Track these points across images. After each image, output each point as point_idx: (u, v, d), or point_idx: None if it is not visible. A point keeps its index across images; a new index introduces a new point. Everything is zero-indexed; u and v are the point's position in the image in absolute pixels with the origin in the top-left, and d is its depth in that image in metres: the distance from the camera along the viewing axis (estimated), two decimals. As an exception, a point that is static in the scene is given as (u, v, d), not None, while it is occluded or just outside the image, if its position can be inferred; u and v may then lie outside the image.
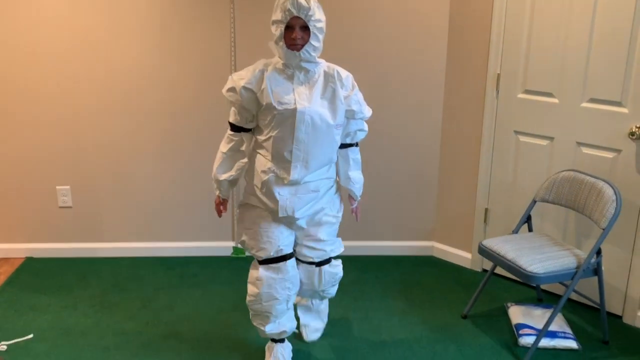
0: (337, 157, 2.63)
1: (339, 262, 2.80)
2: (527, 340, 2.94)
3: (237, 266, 3.74)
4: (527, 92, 3.31)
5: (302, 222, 2.56)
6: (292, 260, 2.59)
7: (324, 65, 2.46)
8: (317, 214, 2.59)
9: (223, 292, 3.43)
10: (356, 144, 2.69)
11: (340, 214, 2.72)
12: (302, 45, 2.31)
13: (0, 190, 3.70)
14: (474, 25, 3.44)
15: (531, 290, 3.47)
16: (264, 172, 2.47)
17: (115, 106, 3.62)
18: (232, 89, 2.41)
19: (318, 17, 2.31)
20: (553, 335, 2.96)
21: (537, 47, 3.22)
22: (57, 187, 3.74)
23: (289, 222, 2.55)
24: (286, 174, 2.44)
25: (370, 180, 3.78)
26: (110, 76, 3.57)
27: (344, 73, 2.48)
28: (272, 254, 2.53)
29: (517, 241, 3.03)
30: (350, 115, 2.52)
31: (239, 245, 2.71)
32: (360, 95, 2.54)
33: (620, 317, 3.22)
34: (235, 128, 2.50)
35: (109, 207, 3.79)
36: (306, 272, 2.70)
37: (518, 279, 3.46)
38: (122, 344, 2.94)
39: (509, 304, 3.28)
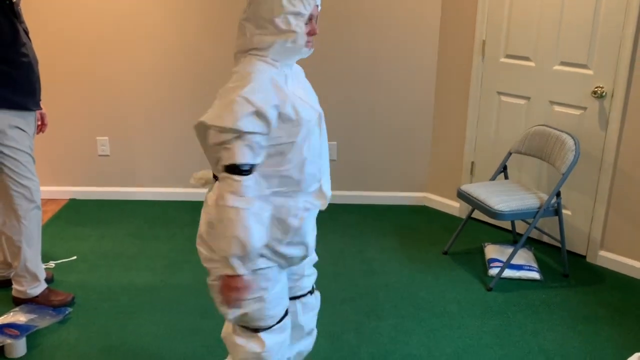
0: None
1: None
2: (495, 271, 3.38)
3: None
4: (508, 56, 3.70)
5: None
6: None
7: None
8: None
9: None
10: None
11: None
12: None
13: (47, 141, 4.26)
14: (464, -3, 3.85)
15: (508, 234, 3.90)
16: (294, 216, 1.88)
17: (146, 68, 4.14)
18: (254, 114, 1.73)
19: None
20: (519, 267, 3.40)
21: (517, 15, 3.60)
22: (97, 137, 4.30)
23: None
24: (321, 196, 1.93)
25: (371, 137, 4.24)
26: (144, 41, 4.08)
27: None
28: (282, 313, 2.03)
29: (491, 186, 3.46)
30: None
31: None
32: None
33: (584, 257, 3.63)
34: (248, 169, 1.78)
35: (142, 156, 4.34)
36: (306, 310, 2.20)
37: (498, 225, 3.91)
38: (150, 265, 3.49)
39: (485, 244, 3.71)
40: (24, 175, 2.82)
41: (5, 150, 2.73)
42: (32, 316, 2.90)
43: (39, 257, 3.02)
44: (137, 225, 4.01)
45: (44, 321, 2.88)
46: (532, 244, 3.76)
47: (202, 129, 1.80)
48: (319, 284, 3.30)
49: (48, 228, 3.92)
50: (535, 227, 3.58)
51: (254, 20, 1.81)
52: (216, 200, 1.81)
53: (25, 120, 2.81)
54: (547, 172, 3.64)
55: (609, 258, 3.51)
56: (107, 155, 4.34)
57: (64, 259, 3.54)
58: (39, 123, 3.06)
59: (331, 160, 4.26)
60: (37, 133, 3.05)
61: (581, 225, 3.59)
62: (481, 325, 2.97)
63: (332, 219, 4.08)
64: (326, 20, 3.99)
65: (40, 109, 2.93)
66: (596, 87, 3.32)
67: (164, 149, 4.32)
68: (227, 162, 1.76)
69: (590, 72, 3.36)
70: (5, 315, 2.88)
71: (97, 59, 4.13)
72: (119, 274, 3.40)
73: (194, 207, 4.29)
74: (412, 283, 3.35)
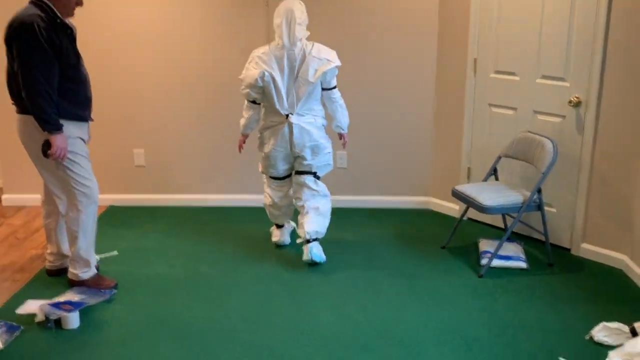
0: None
1: None
2: (486, 261, 3.81)
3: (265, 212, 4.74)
4: (497, 72, 4.17)
5: None
6: None
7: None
8: None
9: (254, 226, 4.44)
10: None
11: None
12: None
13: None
14: (456, 19, 4.34)
15: (502, 232, 4.31)
16: None
17: (178, 88, 4.69)
18: None
19: None
20: (508, 258, 3.82)
21: (503, 37, 4.08)
22: (134, 150, 4.84)
23: None
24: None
25: (378, 147, 4.72)
26: (177, 61, 4.64)
27: None
28: None
29: (481, 186, 3.91)
30: None
31: None
32: None
33: (569, 250, 4.04)
34: None
35: (174, 166, 4.86)
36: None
37: (493, 224, 4.33)
38: (182, 259, 3.98)
39: (480, 239, 4.14)
40: (84, 176, 3.35)
41: (71, 156, 3.26)
42: (83, 296, 3.40)
43: (92, 247, 3.53)
44: (170, 227, 4.51)
45: (93, 299, 3.38)
46: (523, 239, 4.18)
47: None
48: (326, 268, 3.78)
49: (92, 229, 4.44)
50: (522, 222, 4.00)
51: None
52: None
53: (83, 130, 3.35)
54: (533, 173, 4.07)
55: (590, 250, 3.91)
56: (143, 166, 4.87)
57: (107, 253, 4.05)
58: None
59: (342, 169, 4.74)
60: None
61: (565, 221, 4.00)
62: (470, 303, 3.39)
63: (339, 219, 4.49)
64: (336, 38, 4.50)
65: (92, 120, 3.46)
66: (572, 97, 3.77)
67: (194, 160, 4.85)
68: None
69: (567, 84, 3.82)
70: (60, 295, 3.38)
71: (134, 80, 4.69)
72: (156, 265, 3.89)
73: (220, 212, 4.79)
74: (409, 268, 3.79)
